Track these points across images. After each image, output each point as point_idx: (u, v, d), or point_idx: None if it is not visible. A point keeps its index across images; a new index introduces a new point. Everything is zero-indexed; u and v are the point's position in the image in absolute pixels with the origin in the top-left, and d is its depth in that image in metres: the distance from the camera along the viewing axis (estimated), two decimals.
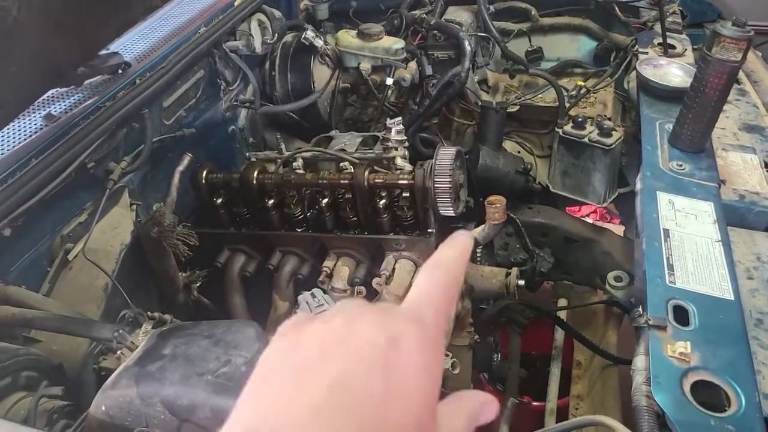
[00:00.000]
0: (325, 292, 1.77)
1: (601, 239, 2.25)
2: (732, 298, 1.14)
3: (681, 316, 1.11)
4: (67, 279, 1.48)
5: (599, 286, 2.24)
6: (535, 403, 2.38)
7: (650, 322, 1.08)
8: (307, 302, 1.14)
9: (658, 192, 1.38)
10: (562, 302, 2.30)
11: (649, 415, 1.04)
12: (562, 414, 2.01)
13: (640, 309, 1.12)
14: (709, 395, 1.01)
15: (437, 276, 0.48)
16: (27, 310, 1.29)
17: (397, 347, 0.41)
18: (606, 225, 3.05)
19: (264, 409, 0.39)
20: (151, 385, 0.99)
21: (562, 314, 2.21)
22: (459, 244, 0.51)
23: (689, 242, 1.25)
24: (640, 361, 1.14)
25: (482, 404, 0.49)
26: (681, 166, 1.46)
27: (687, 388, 0.99)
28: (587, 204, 2.62)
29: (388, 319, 0.43)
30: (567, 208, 2.57)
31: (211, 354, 1.02)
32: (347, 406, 0.38)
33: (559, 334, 2.24)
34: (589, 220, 3.23)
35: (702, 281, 1.17)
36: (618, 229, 2.74)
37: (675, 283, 1.17)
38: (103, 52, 1.52)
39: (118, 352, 1.15)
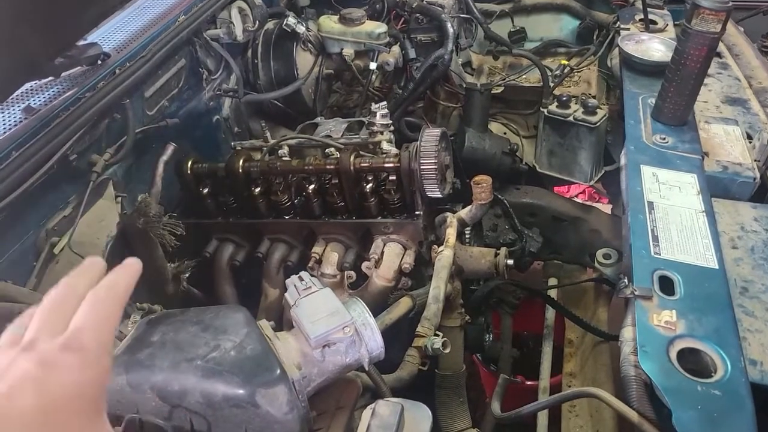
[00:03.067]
0: (311, 276, 1.78)
1: (589, 217, 2.26)
2: (716, 267, 1.15)
3: (666, 286, 1.12)
4: (53, 273, 1.47)
5: (588, 264, 2.25)
6: (528, 383, 2.40)
7: (636, 293, 1.09)
8: (294, 285, 1.13)
9: (642, 165, 1.39)
10: (553, 281, 2.31)
11: (637, 384, 1.05)
12: (555, 392, 2.02)
13: (626, 280, 1.13)
14: (695, 362, 1.02)
15: (99, 300, 0.57)
16: (14, 304, 1.28)
17: (50, 371, 0.49)
18: (595, 204, 3.07)
19: None
20: (141, 372, 0.99)
21: (553, 293, 2.22)
22: (126, 268, 0.62)
23: (673, 214, 1.26)
24: (627, 332, 1.15)
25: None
26: (664, 139, 1.47)
27: (673, 355, 1.00)
28: (575, 183, 2.64)
29: (43, 351, 0.51)
30: (555, 188, 2.58)
31: (200, 339, 1.02)
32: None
33: (550, 313, 2.25)
34: (579, 200, 3.24)
35: (687, 251, 1.18)
36: (606, 208, 2.76)
37: (660, 254, 1.18)
38: (81, 42, 1.50)
39: None
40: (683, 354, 1.02)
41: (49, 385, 0.48)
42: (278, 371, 0.98)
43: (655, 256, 1.17)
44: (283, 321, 1.86)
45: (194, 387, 0.97)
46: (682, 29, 1.39)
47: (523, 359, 2.31)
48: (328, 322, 1.06)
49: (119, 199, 1.69)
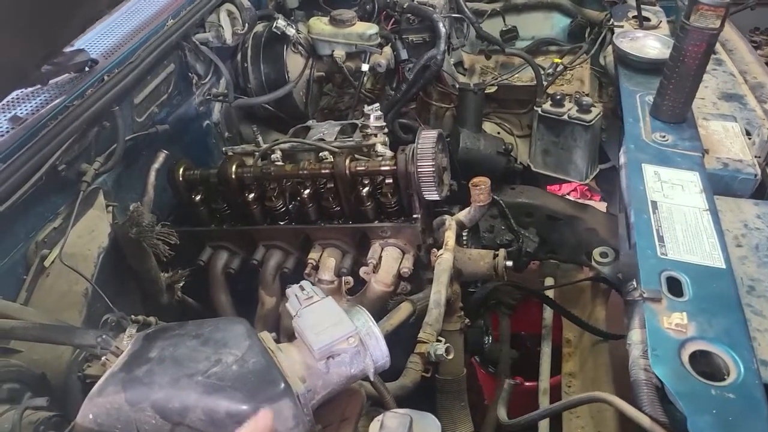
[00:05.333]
0: (312, 284, 1.75)
1: (585, 216, 2.25)
2: (724, 267, 1.13)
3: (674, 287, 1.10)
4: (44, 286, 1.43)
5: (585, 263, 2.24)
6: (527, 384, 2.38)
7: (645, 295, 1.07)
8: (296, 295, 1.10)
9: (643, 164, 1.37)
10: (549, 281, 2.29)
11: (648, 388, 1.03)
12: (555, 392, 2.01)
13: (634, 283, 1.11)
14: (706, 365, 1.00)
15: None
16: (5, 320, 1.24)
17: None
18: (587, 202, 3.06)
19: None
20: (140, 389, 0.96)
21: (550, 293, 2.20)
22: None
23: (677, 213, 1.25)
24: (635, 335, 1.13)
25: None
26: (664, 137, 1.45)
27: (685, 359, 0.98)
28: (569, 182, 2.62)
29: None
30: (547, 187, 2.56)
31: (200, 354, 0.99)
32: None
33: (548, 313, 2.23)
34: (570, 198, 3.23)
35: (693, 251, 1.17)
36: (599, 205, 2.75)
37: (666, 255, 1.16)
38: (68, 49, 1.46)
39: (103, 358, 1.11)
40: (694, 357, 1.00)
41: None
42: (282, 385, 0.95)
43: (662, 256, 1.15)
44: (279, 329, 1.83)
45: (196, 404, 0.94)
46: (680, 26, 1.38)
47: (521, 360, 2.29)
48: (332, 332, 1.03)
49: (110, 208, 1.65)
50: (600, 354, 2.06)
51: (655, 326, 1.03)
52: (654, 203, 1.27)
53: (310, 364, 1.03)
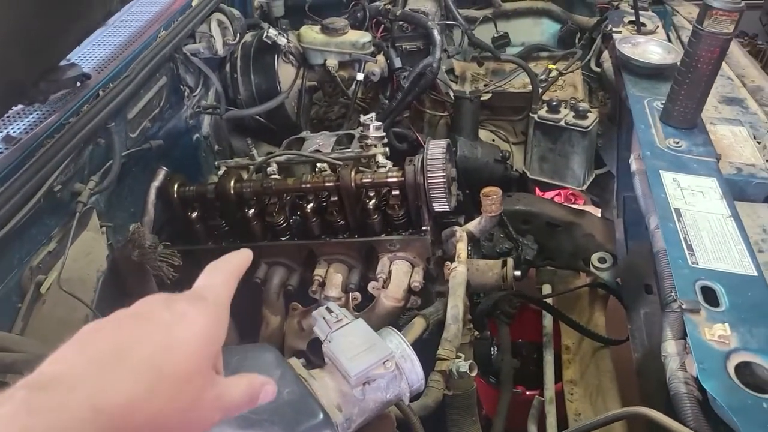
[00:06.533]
0: (318, 301, 1.70)
1: (582, 222, 2.25)
2: (756, 274, 1.12)
3: (710, 296, 1.08)
4: (41, 314, 1.35)
5: (582, 269, 2.24)
6: (528, 393, 2.36)
7: (684, 307, 1.05)
8: (324, 318, 1.05)
9: (660, 171, 1.36)
10: (546, 288, 2.28)
11: (691, 402, 1.00)
12: (558, 400, 1.99)
13: (673, 294, 1.09)
14: (750, 376, 0.98)
15: (218, 270, 0.65)
16: (4, 353, 1.15)
17: (179, 318, 0.55)
18: (572, 206, 3.06)
19: (55, 363, 0.49)
20: None
21: (549, 300, 2.19)
22: (241, 253, 0.68)
23: (702, 220, 1.23)
24: (670, 347, 1.10)
25: (262, 385, 0.63)
26: (678, 143, 1.44)
27: (732, 371, 0.96)
28: (560, 188, 2.62)
29: (174, 300, 0.57)
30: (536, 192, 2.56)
31: None
32: (126, 357, 0.50)
33: (548, 321, 2.22)
34: (565, 205, 3.23)
35: (722, 259, 1.15)
36: (586, 209, 2.75)
37: (698, 264, 1.14)
38: (62, 63, 1.38)
39: None
40: (739, 369, 0.98)
41: (173, 327, 0.54)
42: (321, 416, 0.90)
43: (693, 266, 1.13)
44: (284, 349, 1.77)
45: None
46: (692, 31, 1.37)
47: (519, 368, 2.27)
48: (367, 357, 0.98)
49: (103, 229, 1.57)
50: (602, 360, 2.05)
51: (698, 339, 1.01)
52: (677, 211, 1.25)
53: (345, 391, 0.98)
